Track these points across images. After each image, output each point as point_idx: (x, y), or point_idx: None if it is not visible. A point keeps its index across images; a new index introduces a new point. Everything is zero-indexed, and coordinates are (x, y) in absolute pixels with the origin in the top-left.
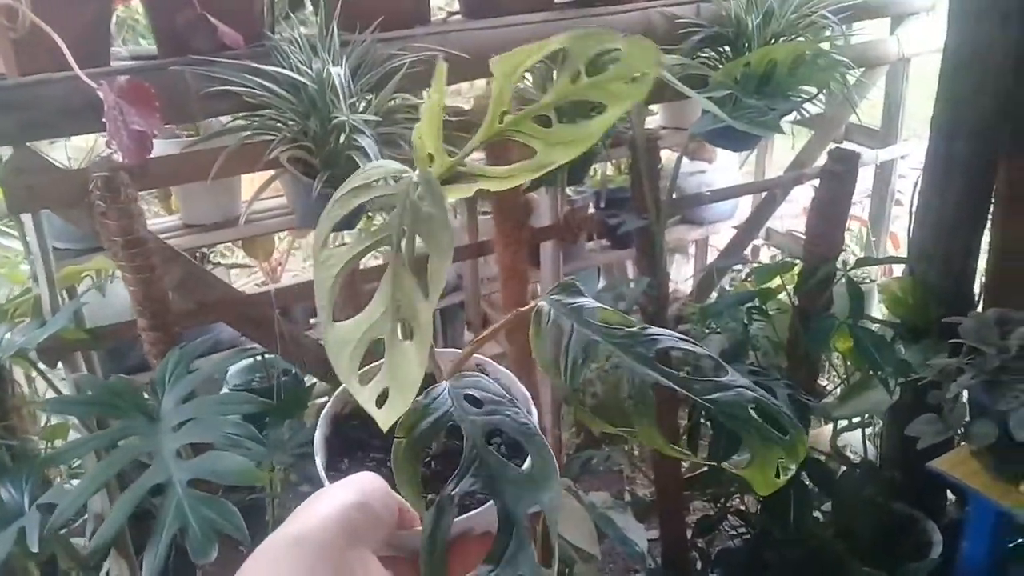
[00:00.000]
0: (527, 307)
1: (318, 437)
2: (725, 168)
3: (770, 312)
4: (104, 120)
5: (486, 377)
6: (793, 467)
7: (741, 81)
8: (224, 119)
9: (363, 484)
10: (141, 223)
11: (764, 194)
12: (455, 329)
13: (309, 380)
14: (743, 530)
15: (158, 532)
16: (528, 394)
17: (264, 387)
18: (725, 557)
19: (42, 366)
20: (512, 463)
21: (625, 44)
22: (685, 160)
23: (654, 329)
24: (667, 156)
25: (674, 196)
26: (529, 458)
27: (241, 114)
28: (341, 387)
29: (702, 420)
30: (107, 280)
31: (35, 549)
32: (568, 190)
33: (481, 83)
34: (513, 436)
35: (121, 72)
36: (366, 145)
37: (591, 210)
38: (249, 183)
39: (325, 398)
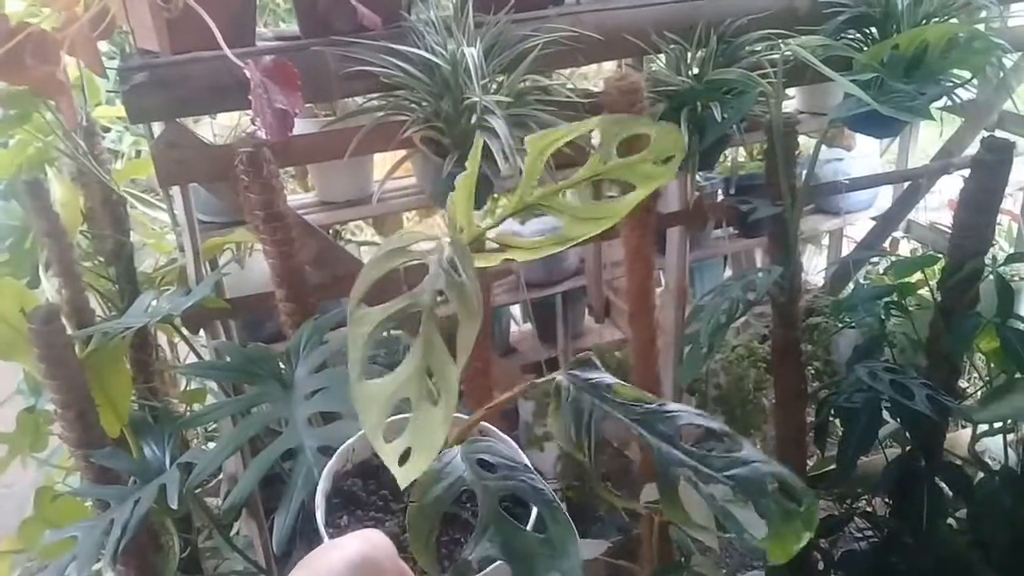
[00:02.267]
0: (543, 379)
1: (319, 492)
2: (864, 156)
3: (909, 308)
4: (249, 98)
5: (499, 443)
6: (808, 535)
7: (888, 64)
8: (360, 99)
9: (371, 539)
10: (281, 198)
11: (907, 184)
12: (575, 314)
13: None
14: (869, 533)
15: (288, 496)
16: (528, 463)
17: (389, 362)
18: (849, 559)
19: (185, 332)
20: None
21: (654, 130)
22: (822, 147)
23: (672, 405)
24: (803, 142)
25: (810, 184)
26: (535, 520)
27: (377, 94)
28: (345, 444)
29: (830, 417)
30: (247, 253)
31: (175, 506)
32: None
33: (609, 66)
34: (530, 502)
35: (266, 52)
36: (496, 126)
37: (720, 197)
38: (381, 162)
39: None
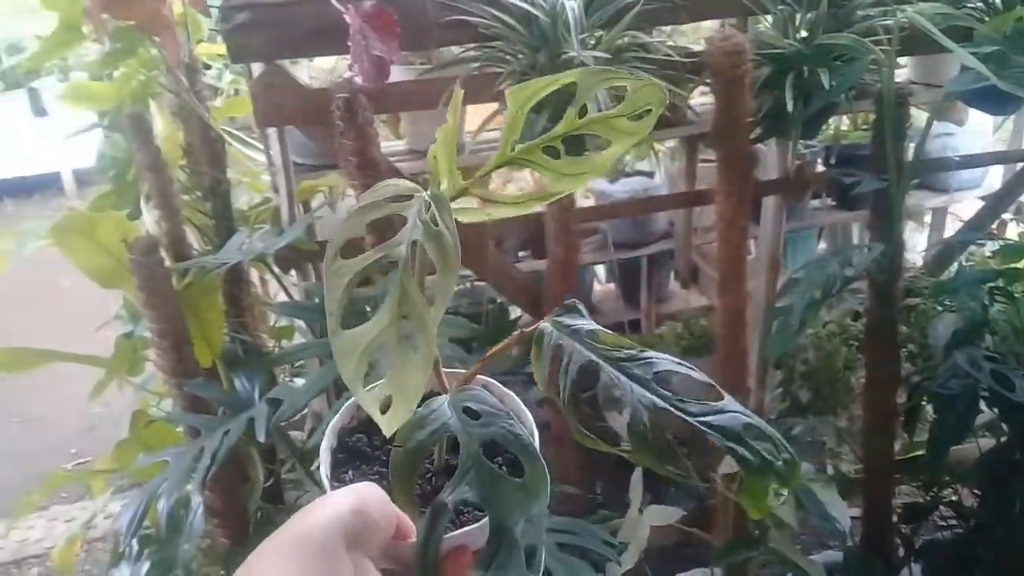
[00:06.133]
0: (531, 328)
1: (323, 447)
2: (976, 132)
3: (1015, 295)
4: (348, 43)
5: (486, 392)
6: (785, 493)
7: (1011, 36)
8: (455, 49)
9: (363, 492)
10: (375, 145)
11: (1020, 165)
12: (660, 277)
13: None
14: (954, 523)
15: None
16: (527, 411)
17: (471, 312)
18: (931, 548)
19: (276, 271)
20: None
21: (631, 83)
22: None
23: (651, 352)
24: (913, 114)
25: (919, 159)
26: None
27: (473, 45)
28: (350, 400)
29: (923, 403)
30: (339, 197)
31: (262, 439)
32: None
33: (706, 25)
34: (509, 449)
35: None
36: None
37: (819, 166)
38: (473, 113)
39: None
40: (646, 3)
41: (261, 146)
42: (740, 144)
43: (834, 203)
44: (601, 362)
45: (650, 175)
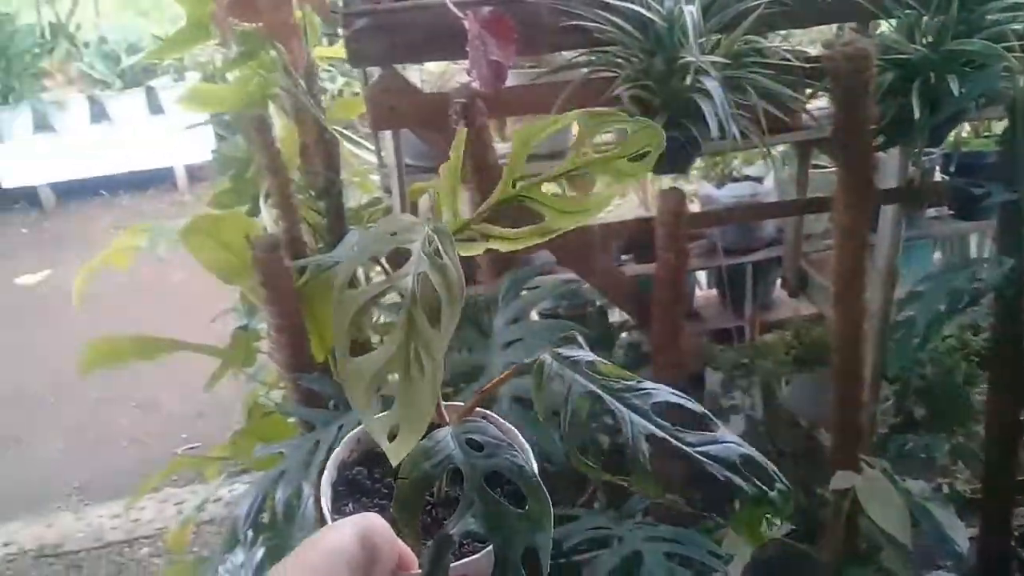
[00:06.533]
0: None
1: (324, 481)
2: None
3: None
4: (467, 49)
5: (488, 424)
6: (779, 522)
7: None
8: (567, 54)
9: (368, 522)
10: (491, 148)
11: None
12: (766, 284)
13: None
14: None
15: None
16: (526, 444)
17: (571, 315)
18: None
19: (388, 268)
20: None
21: (631, 125)
22: None
23: (649, 383)
24: None
25: None
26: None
27: (586, 50)
28: (350, 433)
29: None
30: None
31: None
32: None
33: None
34: (513, 480)
35: (483, 3)
36: (711, 88)
37: (937, 175)
38: None
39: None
40: (767, 8)
41: (371, 147)
42: (862, 151)
43: (952, 213)
44: (600, 392)
45: (759, 180)
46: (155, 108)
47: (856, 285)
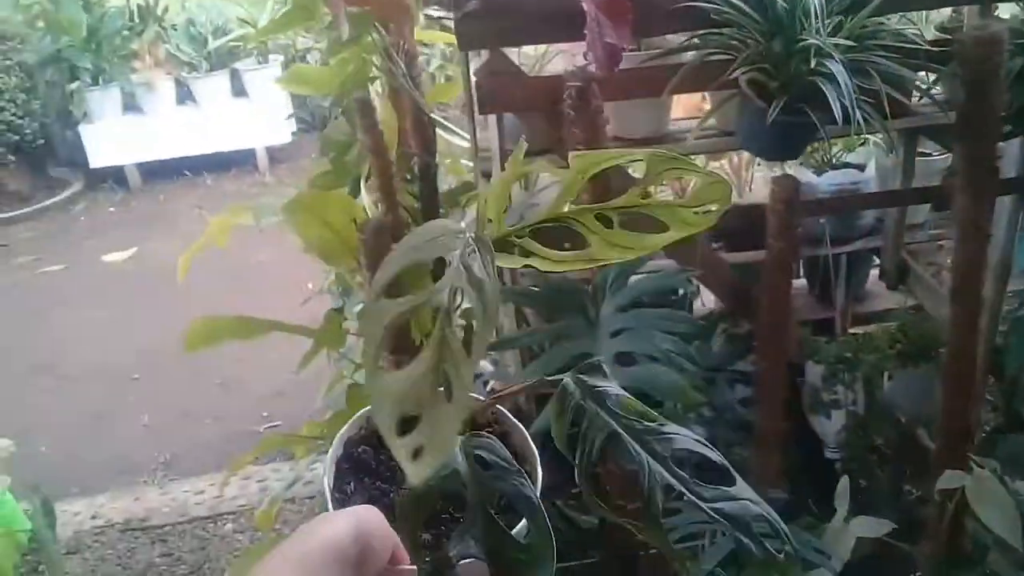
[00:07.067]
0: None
1: (329, 457)
2: None
3: None
4: (584, 31)
5: (499, 443)
6: None
7: None
8: (672, 38)
9: (363, 517)
10: (604, 133)
11: None
12: (860, 275)
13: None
14: None
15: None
16: (533, 447)
17: (654, 303)
18: None
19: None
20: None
21: (700, 177)
22: None
23: (672, 427)
24: None
25: None
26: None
27: (700, 32)
28: (359, 412)
29: None
30: (533, 182)
31: None
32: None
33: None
34: (517, 508)
35: None
36: (836, 71)
37: None
38: (678, 101)
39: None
40: None
41: (464, 131)
42: (989, 140)
43: None
44: (622, 432)
45: (860, 168)
46: (238, 90)
47: (975, 279)
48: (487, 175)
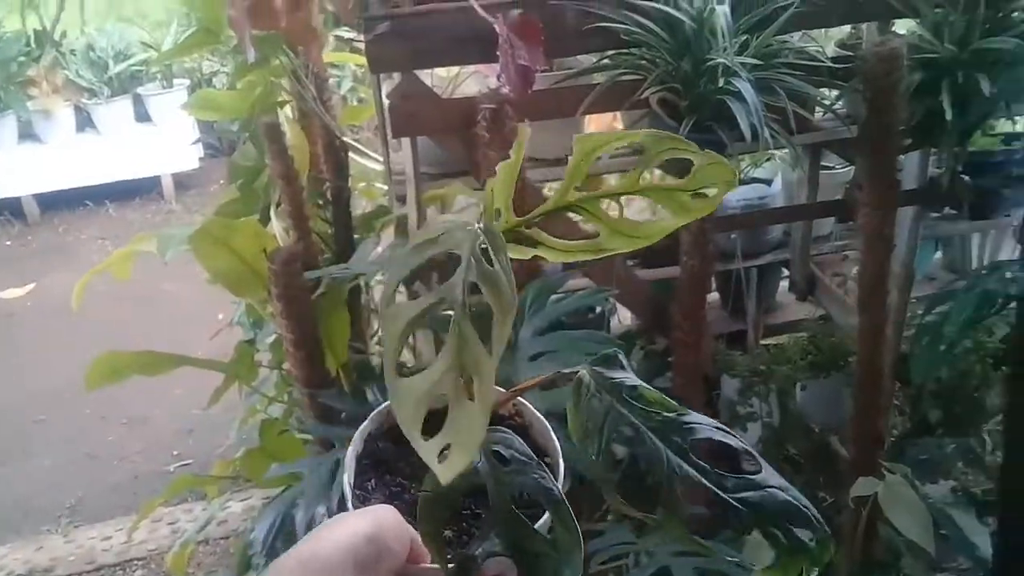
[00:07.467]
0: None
1: (350, 453)
2: None
3: None
4: (497, 52)
5: (515, 437)
6: (815, 572)
7: None
8: (585, 57)
9: (379, 517)
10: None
11: None
12: (769, 288)
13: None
14: None
15: None
16: (555, 439)
17: (571, 323)
18: None
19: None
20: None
21: (699, 157)
22: None
23: (693, 416)
24: None
25: None
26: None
27: (611, 52)
28: (379, 407)
29: None
30: (451, 205)
31: None
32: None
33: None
34: (540, 503)
35: (507, 5)
36: (742, 89)
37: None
38: (591, 120)
39: None
40: (799, 6)
41: (378, 154)
42: (891, 153)
43: (955, 212)
44: (640, 423)
45: (767, 182)
46: (142, 116)
47: (881, 289)
48: (401, 198)
